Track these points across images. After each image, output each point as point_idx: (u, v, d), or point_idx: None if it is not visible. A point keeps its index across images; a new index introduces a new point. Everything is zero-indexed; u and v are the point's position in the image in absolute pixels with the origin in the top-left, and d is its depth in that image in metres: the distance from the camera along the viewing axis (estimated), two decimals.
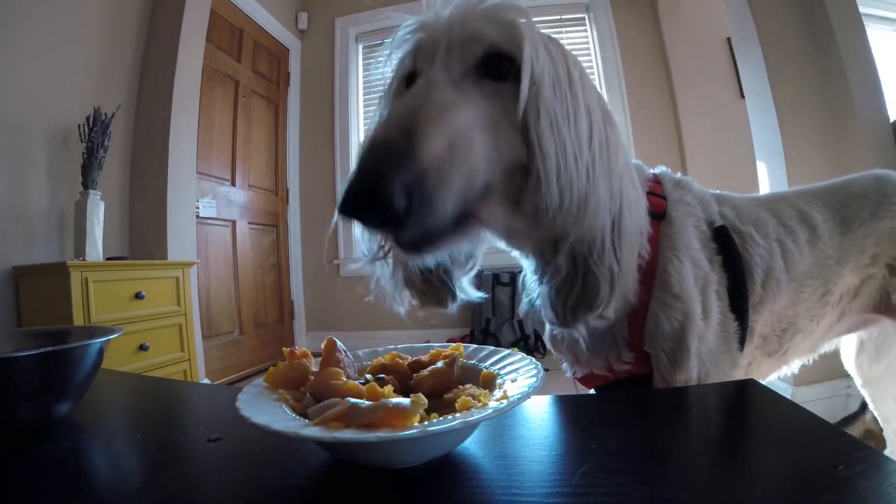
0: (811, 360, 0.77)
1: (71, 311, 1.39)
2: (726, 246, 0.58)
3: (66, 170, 1.69)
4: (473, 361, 0.40)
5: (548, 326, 0.54)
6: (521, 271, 0.52)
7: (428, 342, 0.58)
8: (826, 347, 0.78)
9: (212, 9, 2.27)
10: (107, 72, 1.91)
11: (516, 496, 0.26)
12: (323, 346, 0.37)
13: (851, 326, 0.76)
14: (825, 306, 0.68)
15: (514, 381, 0.35)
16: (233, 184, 2.64)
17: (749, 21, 1.68)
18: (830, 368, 0.88)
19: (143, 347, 1.58)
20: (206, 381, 2.07)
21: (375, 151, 0.31)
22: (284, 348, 0.37)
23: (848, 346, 0.88)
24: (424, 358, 0.39)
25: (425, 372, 0.36)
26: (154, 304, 1.66)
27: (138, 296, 1.60)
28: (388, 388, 0.32)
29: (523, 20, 0.40)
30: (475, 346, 0.42)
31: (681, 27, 2.79)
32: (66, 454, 0.37)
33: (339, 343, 0.38)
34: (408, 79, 0.44)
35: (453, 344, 0.41)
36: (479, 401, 0.31)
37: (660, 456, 0.31)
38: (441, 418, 0.28)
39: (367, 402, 0.29)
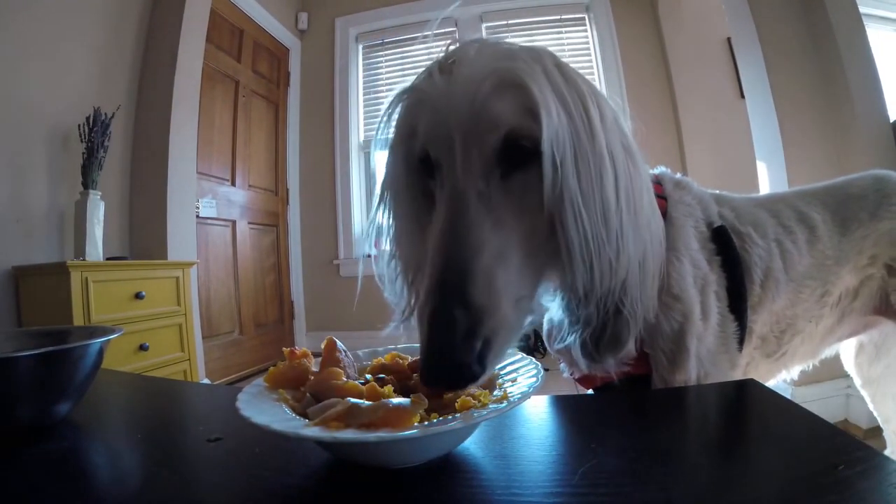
0: (811, 366, 0.77)
1: (71, 311, 1.39)
2: (725, 246, 0.58)
3: (66, 170, 1.69)
4: None
5: (546, 327, 0.54)
6: None
7: None
8: (827, 353, 0.77)
9: (212, 9, 2.27)
10: (107, 72, 1.91)
11: (516, 496, 0.26)
12: (323, 346, 0.37)
13: (852, 330, 0.75)
14: (824, 307, 0.68)
15: (514, 381, 0.35)
16: (233, 184, 2.64)
17: (749, 21, 1.68)
18: (830, 368, 0.88)
19: (143, 347, 1.58)
20: (206, 381, 2.07)
21: (440, 326, 0.32)
22: (284, 348, 0.37)
23: (847, 347, 0.88)
24: None
25: None
26: (154, 304, 1.66)
27: (138, 296, 1.60)
28: (388, 388, 0.32)
29: (534, 85, 0.36)
30: None
31: (681, 27, 2.79)
32: (66, 454, 0.37)
33: (339, 343, 0.38)
34: (422, 161, 0.41)
35: None
36: (479, 401, 0.31)
37: (660, 456, 0.31)
38: (441, 418, 0.28)
39: (367, 402, 0.29)
